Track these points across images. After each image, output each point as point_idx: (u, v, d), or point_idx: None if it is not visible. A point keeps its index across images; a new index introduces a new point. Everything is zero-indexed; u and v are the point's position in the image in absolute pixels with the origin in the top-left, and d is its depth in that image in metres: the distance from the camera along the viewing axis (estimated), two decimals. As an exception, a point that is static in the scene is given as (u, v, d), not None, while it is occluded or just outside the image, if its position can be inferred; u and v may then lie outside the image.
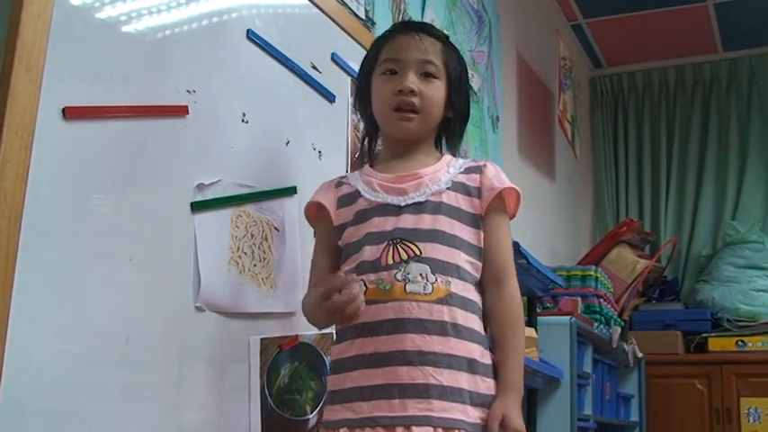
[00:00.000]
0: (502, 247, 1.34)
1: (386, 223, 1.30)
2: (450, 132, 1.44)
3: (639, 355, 3.49)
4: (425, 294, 1.24)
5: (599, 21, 4.17)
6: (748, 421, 3.56)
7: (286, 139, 1.61)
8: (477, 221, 1.32)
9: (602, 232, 4.38)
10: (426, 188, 1.32)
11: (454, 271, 1.27)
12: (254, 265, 1.47)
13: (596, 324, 2.94)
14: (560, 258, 3.75)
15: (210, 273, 1.36)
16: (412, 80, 1.34)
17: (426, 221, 1.29)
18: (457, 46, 1.45)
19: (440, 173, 1.35)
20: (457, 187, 1.33)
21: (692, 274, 4.27)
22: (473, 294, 1.30)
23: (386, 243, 1.28)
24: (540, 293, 2.74)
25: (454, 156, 1.44)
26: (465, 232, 1.31)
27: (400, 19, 2.28)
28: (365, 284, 1.26)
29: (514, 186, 1.35)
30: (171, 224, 1.31)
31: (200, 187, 1.37)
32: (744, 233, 4.02)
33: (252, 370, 1.45)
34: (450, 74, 1.38)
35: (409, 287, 1.24)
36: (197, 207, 1.36)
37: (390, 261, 1.26)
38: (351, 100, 1.86)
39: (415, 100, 1.33)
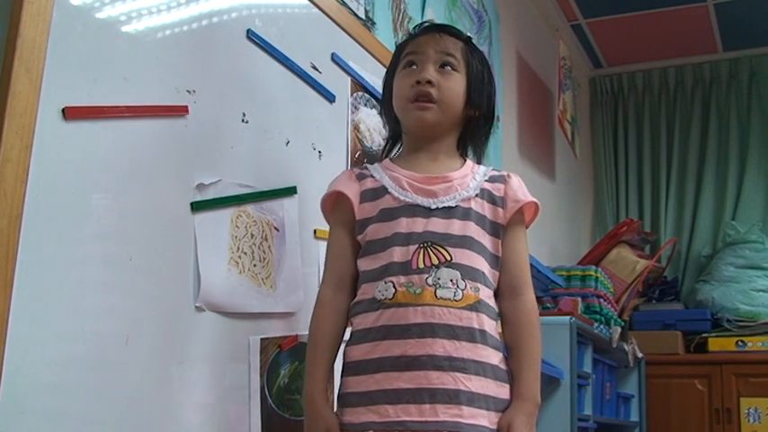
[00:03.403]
0: (521, 257, 1.34)
1: (415, 225, 1.29)
2: (474, 133, 1.42)
3: (639, 355, 3.49)
4: (455, 300, 1.24)
5: (599, 21, 4.17)
6: (748, 421, 3.56)
7: (286, 139, 1.61)
8: (497, 231, 1.32)
9: (602, 232, 4.38)
10: (456, 193, 1.31)
11: (481, 278, 1.28)
12: (254, 265, 1.47)
13: (596, 324, 2.94)
14: (560, 258, 3.75)
15: (210, 273, 1.36)
16: (430, 71, 1.33)
17: (456, 227, 1.28)
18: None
19: (467, 178, 1.34)
20: (484, 195, 1.33)
21: (692, 274, 4.27)
22: (493, 302, 1.30)
23: (417, 246, 1.27)
24: (540, 293, 2.74)
25: (479, 161, 1.43)
26: (487, 240, 1.31)
27: (400, 19, 2.28)
28: (394, 286, 1.25)
29: (536, 201, 1.36)
30: (171, 224, 1.31)
31: (200, 187, 1.37)
32: (744, 233, 4.02)
33: (252, 370, 1.45)
34: (470, 71, 1.37)
35: (440, 292, 1.24)
36: (197, 207, 1.36)
37: (421, 265, 1.25)
38: (351, 100, 1.86)
39: (433, 91, 1.32)
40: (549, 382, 2.56)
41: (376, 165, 1.41)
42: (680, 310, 4.00)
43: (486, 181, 1.35)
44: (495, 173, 1.38)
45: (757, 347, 3.70)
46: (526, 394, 1.25)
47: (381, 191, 1.33)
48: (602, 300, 3.04)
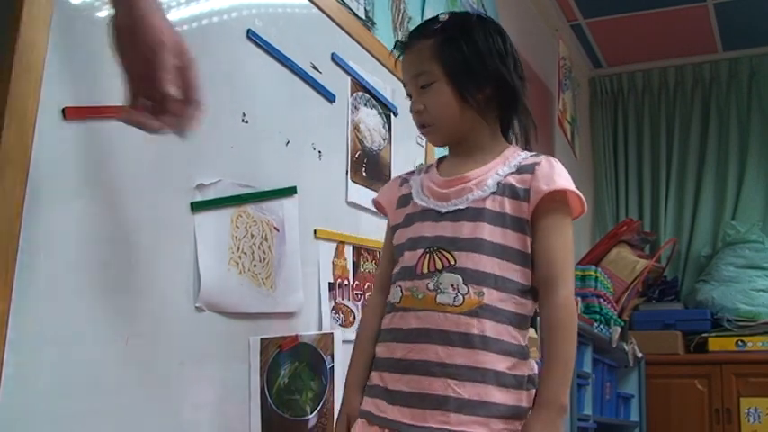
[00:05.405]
0: (550, 252, 1.24)
1: (425, 229, 1.29)
2: (508, 109, 1.34)
3: (639, 355, 3.49)
4: (455, 306, 1.22)
5: (599, 21, 4.17)
6: (748, 421, 3.56)
7: (286, 139, 1.61)
8: (523, 226, 1.26)
9: (602, 232, 4.38)
10: (469, 194, 1.27)
11: (491, 281, 1.23)
12: (254, 266, 1.47)
13: (596, 324, 2.94)
14: (560, 258, 3.74)
15: (210, 273, 1.36)
16: (415, 100, 1.34)
17: (466, 230, 1.25)
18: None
19: (488, 174, 1.29)
20: (503, 190, 1.26)
21: (692, 274, 4.28)
22: (510, 304, 1.24)
23: (423, 250, 1.27)
24: (540, 293, 2.74)
25: (527, 138, 1.36)
26: (510, 238, 1.25)
27: (400, 19, 2.28)
28: (401, 291, 1.28)
29: (566, 186, 1.25)
30: (171, 224, 1.31)
31: (200, 187, 1.37)
32: (744, 233, 4.03)
33: (252, 370, 1.45)
34: (447, 68, 1.30)
35: (440, 298, 1.23)
36: (197, 207, 1.36)
37: (425, 270, 1.25)
38: (351, 100, 1.86)
39: (424, 116, 1.33)
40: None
41: (427, 165, 1.43)
42: (680, 309, 4.01)
43: (513, 173, 1.28)
44: (529, 161, 1.29)
45: (757, 347, 3.70)
46: (543, 400, 1.19)
47: (409, 197, 1.36)
48: (601, 300, 3.04)
